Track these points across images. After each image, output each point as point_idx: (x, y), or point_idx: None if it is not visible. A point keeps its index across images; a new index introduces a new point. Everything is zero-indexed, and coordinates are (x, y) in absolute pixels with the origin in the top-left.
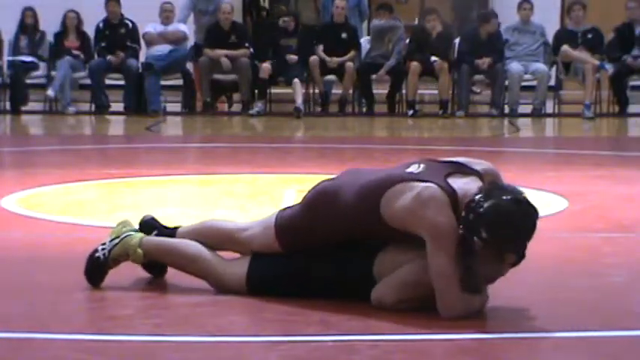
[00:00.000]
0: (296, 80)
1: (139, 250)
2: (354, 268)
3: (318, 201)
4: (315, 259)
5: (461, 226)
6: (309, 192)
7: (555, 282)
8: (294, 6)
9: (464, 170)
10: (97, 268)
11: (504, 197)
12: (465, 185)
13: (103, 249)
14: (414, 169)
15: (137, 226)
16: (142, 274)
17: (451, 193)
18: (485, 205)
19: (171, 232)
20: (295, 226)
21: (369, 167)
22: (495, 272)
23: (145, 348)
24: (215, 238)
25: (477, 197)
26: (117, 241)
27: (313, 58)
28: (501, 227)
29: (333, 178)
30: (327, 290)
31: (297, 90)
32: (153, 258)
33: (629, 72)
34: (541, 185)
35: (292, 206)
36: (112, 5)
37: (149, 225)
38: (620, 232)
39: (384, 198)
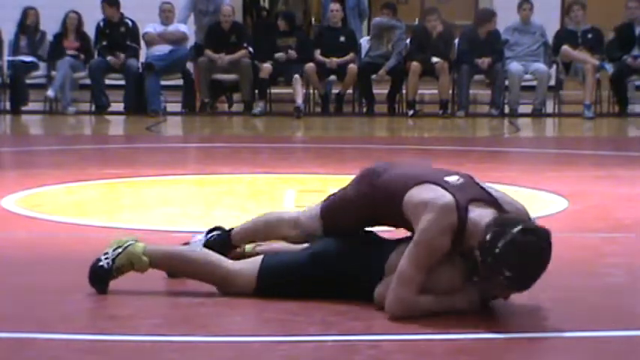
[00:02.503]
0: (296, 76)
1: (144, 258)
2: (371, 269)
3: (364, 176)
4: (331, 259)
5: (480, 267)
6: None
7: (555, 282)
8: (285, 6)
9: (491, 203)
10: (101, 276)
11: (514, 230)
12: (478, 217)
13: (106, 258)
14: (452, 179)
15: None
16: (140, 273)
17: (462, 218)
18: (500, 244)
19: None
20: (339, 201)
21: (424, 162)
22: (500, 293)
23: (145, 348)
24: (267, 228)
25: (488, 237)
26: (120, 250)
27: (309, 66)
28: (523, 263)
29: (385, 163)
30: (338, 290)
31: (298, 87)
32: (158, 265)
33: (629, 72)
34: (541, 185)
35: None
36: (106, 7)
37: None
38: (620, 232)
39: (412, 190)
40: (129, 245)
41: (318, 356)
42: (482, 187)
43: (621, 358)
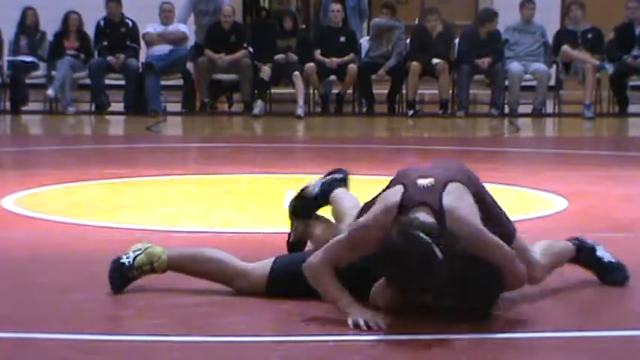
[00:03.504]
0: (296, 73)
1: (164, 257)
2: (368, 269)
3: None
4: None
5: None
6: None
7: (555, 282)
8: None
9: (436, 212)
10: (121, 273)
11: (393, 232)
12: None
13: (127, 257)
14: (423, 182)
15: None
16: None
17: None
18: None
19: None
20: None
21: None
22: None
23: (145, 348)
24: (340, 215)
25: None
26: (140, 251)
27: (309, 66)
28: (388, 262)
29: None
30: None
31: (298, 85)
32: (175, 267)
33: (629, 72)
34: (541, 185)
35: None
36: (112, 6)
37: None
38: (620, 232)
39: None
40: (148, 247)
41: (318, 356)
42: (439, 194)
43: (621, 358)
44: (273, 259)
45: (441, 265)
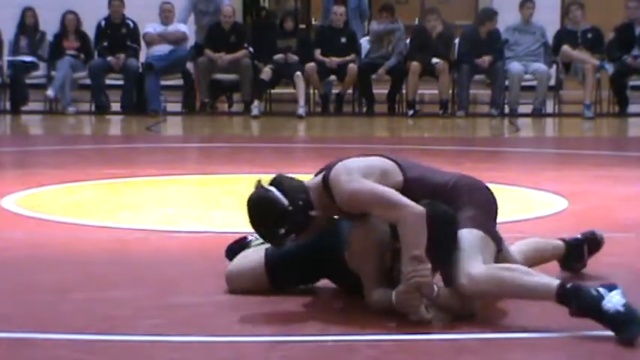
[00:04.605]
0: (298, 73)
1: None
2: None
3: None
4: (327, 236)
5: None
6: None
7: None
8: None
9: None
10: (241, 246)
11: None
12: None
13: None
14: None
15: None
16: (140, 274)
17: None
18: None
19: None
20: None
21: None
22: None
23: (144, 348)
24: None
25: None
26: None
27: (309, 66)
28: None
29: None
30: (340, 268)
31: (300, 85)
32: None
33: (629, 72)
34: (541, 185)
35: None
36: (115, 5)
37: None
38: (620, 232)
39: None
40: None
41: (318, 356)
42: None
43: (621, 358)
44: (263, 255)
45: (276, 219)
